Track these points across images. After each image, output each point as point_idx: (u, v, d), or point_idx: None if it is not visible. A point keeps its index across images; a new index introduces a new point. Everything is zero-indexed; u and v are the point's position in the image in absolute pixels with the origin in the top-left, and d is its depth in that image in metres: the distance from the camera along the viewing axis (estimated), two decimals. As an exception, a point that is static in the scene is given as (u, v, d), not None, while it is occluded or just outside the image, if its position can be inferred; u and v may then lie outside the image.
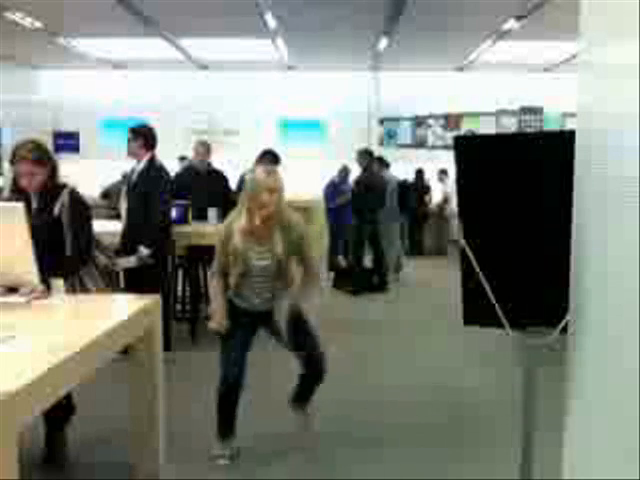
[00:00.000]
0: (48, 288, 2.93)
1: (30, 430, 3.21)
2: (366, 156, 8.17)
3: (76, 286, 3.21)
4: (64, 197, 3.20)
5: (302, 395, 3.51)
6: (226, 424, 3.37)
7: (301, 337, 3.33)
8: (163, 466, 3.03)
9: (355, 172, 8.50)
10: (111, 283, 3.47)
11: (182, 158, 9.98)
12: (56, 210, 3.18)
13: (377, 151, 10.33)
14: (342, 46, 10.65)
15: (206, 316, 6.03)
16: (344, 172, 9.17)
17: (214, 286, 3.33)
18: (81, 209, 3.29)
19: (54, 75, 12.89)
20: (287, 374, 3.60)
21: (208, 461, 3.33)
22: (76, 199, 3.26)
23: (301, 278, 3.34)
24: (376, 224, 8.13)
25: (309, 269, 3.34)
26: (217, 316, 3.27)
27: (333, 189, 9.04)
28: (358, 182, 8.13)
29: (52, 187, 3.21)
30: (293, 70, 12.66)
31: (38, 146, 3.18)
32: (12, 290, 2.89)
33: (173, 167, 6.30)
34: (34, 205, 3.18)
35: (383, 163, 9.36)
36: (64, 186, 3.26)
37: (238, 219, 3.21)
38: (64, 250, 3.20)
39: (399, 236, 9.67)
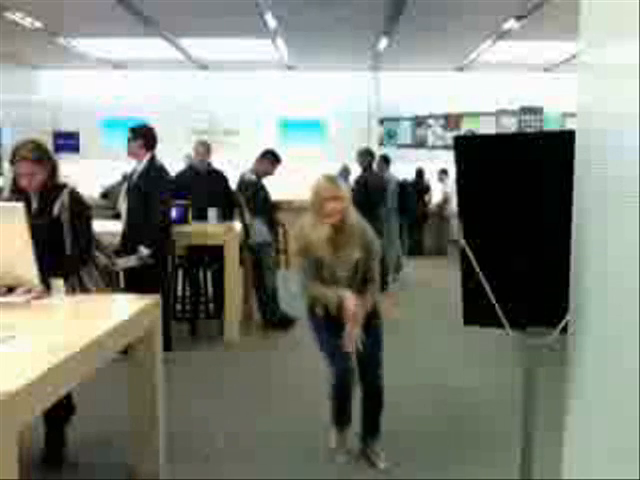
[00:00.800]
0: (48, 288, 2.93)
1: (30, 430, 3.22)
2: (366, 156, 8.17)
3: (76, 286, 3.21)
4: (64, 197, 3.20)
5: (366, 426, 3.41)
6: (344, 413, 3.33)
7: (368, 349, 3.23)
8: (163, 466, 3.03)
9: (356, 172, 8.50)
10: (111, 283, 3.47)
11: (188, 157, 9.99)
12: (56, 210, 3.18)
13: (377, 151, 10.32)
14: (342, 46, 10.64)
15: (206, 316, 6.06)
16: (344, 172, 9.16)
17: (318, 289, 3.17)
18: (81, 209, 3.29)
19: (54, 75, 12.87)
20: (294, 374, 3.60)
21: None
22: (76, 199, 3.26)
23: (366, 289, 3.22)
24: (376, 224, 8.12)
25: (371, 283, 3.23)
26: (346, 294, 3.07)
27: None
28: (358, 181, 8.14)
29: (52, 187, 3.21)
30: (293, 70, 12.66)
31: (38, 146, 3.18)
32: (12, 290, 2.89)
33: (176, 167, 6.28)
34: (34, 205, 3.18)
35: (386, 161, 9.32)
36: (64, 186, 3.26)
37: (314, 230, 3.12)
38: (64, 250, 3.20)
39: (399, 236, 9.67)
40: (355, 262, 3.14)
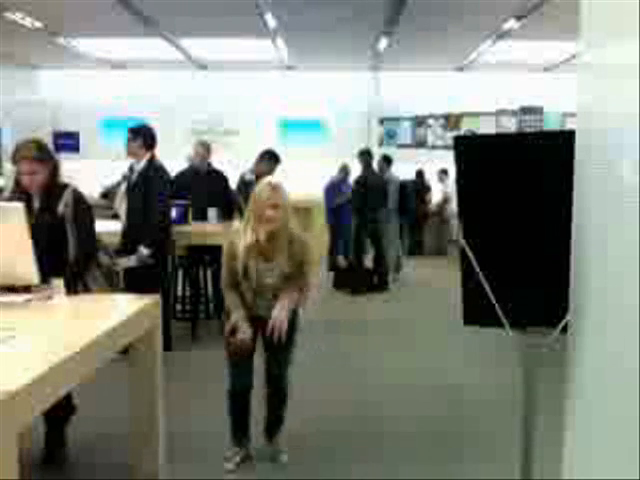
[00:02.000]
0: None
1: (30, 430, 3.22)
2: (366, 156, 8.19)
3: (79, 287, 3.21)
4: (67, 196, 3.21)
5: (270, 424, 3.42)
6: (238, 429, 3.33)
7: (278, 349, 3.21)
8: (163, 466, 3.03)
9: (356, 172, 8.51)
10: (112, 283, 3.47)
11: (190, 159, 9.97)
12: (60, 209, 3.18)
13: (377, 151, 10.32)
14: (342, 46, 10.64)
15: (206, 316, 6.06)
16: (344, 171, 9.16)
17: (230, 300, 3.20)
18: (84, 209, 3.29)
19: (54, 75, 12.87)
20: (293, 373, 3.59)
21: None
22: (79, 199, 3.27)
23: (295, 292, 3.20)
24: (377, 223, 8.14)
25: (302, 289, 3.22)
26: (243, 327, 3.13)
27: (332, 190, 9.03)
28: (359, 181, 8.14)
29: (54, 186, 3.21)
30: (293, 70, 12.66)
31: (39, 145, 3.18)
32: (12, 290, 2.89)
33: (176, 167, 6.27)
34: (36, 205, 3.18)
35: (388, 162, 9.30)
36: (66, 186, 3.26)
37: (243, 235, 3.10)
38: (66, 250, 3.20)
39: (399, 236, 9.67)
40: (283, 273, 3.12)
